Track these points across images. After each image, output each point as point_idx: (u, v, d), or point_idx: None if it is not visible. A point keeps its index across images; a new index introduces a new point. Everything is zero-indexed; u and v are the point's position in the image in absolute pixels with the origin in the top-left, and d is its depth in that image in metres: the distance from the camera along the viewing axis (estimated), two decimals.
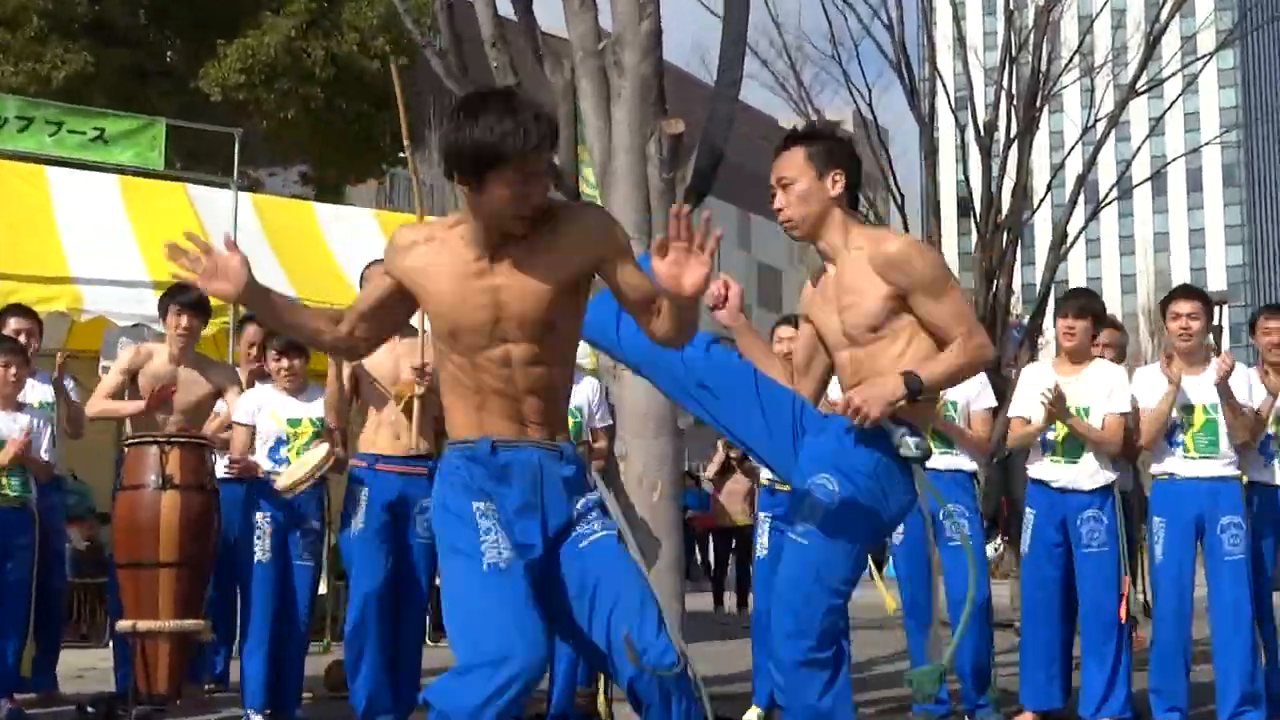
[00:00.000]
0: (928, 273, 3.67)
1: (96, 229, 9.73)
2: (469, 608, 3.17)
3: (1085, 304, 6.41)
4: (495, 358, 3.23)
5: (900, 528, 6.54)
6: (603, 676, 6.13)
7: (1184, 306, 6.23)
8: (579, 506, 3.32)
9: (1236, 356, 6.51)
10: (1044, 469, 6.27)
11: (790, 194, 3.82)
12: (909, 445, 3.58)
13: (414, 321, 6.04)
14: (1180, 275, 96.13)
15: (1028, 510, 6.48)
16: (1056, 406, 6.04)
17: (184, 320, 6.52)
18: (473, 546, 3.19)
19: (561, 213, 3.29)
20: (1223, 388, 6.03)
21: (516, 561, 3.19)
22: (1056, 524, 6.20)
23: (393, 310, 3.43)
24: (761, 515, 6.68)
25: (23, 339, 6.90)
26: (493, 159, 3.05)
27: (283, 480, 6.08)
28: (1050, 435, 6.25)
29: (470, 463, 3.29)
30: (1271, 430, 6.39)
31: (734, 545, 13.10)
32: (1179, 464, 6.21)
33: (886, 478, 3.69)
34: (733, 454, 12.95)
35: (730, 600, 12.66)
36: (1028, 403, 6.30)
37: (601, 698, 6.21)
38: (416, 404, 5.82)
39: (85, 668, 7.86)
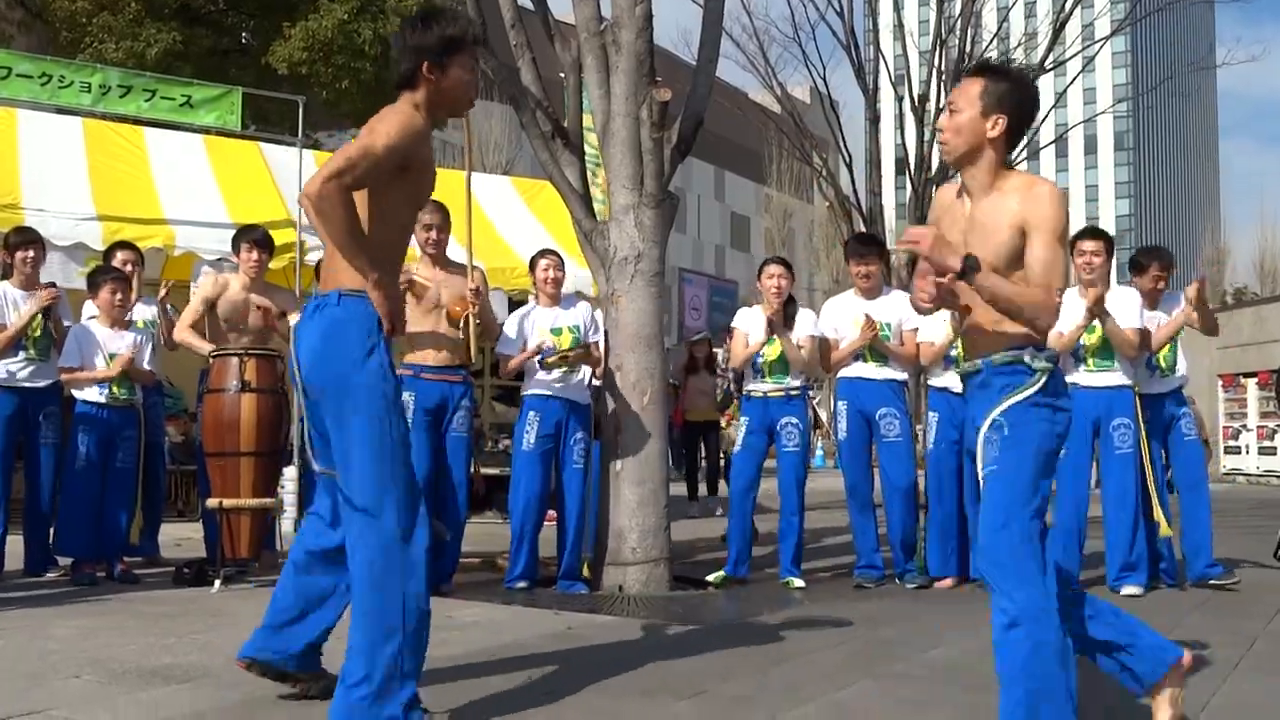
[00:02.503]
0: (1050, 215, 2.99)
1: (185, 179, 9.69)
2: None
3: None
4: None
5: (844, 426, 6.58)
6: (594, 546, 6.20)
7: (1089, 245, 6.18)
8: None
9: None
10: (947, 379, 6.28)
11: (953, 121, 3.13)
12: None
13: (460, 256, 6.01)
14: (1078, 223, 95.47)
15: (931, 413, 6.48)
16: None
17: (254, 254, 6.51)
18: None
19: None
20: (1101, 314, 6.02)
21: None
22: (957, 425, 6.14)
23: None
24: (742, 418, 6.71)
25: (128, 268, 6.90)
26: (459, 45, 3.31)
27: None
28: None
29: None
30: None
31: (702, 438, 12.20)
32: (1081, 376, 6.21)
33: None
34: (698, 354, 12.39)
35: (702, 489, 12.31)
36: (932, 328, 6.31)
37: (585, 564, 6.27)
38: (471, 322, 5.79)
39: (182, 538, 7.92)
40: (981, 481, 2.95)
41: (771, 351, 6.57)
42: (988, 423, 2.97)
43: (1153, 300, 6.42)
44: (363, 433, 3.12)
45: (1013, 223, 2.98)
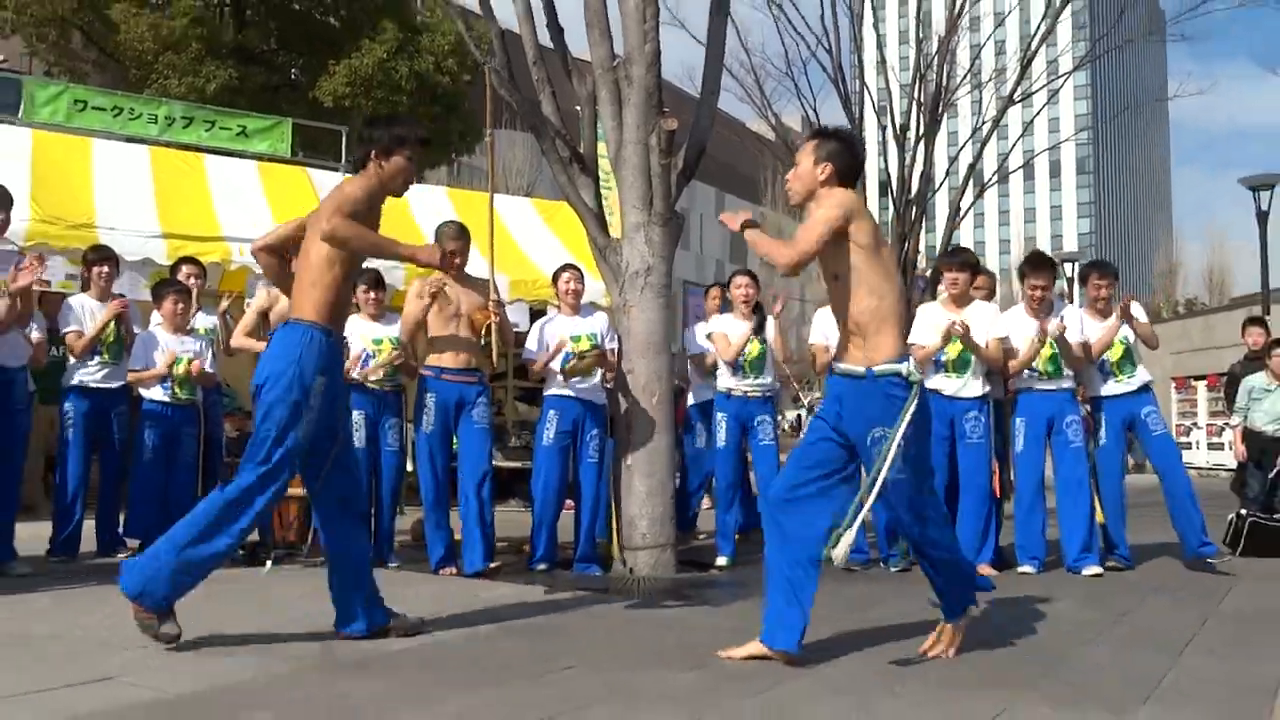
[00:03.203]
0: (822, 209, 3.59)
1: (241, 200, 9.71)
2: None
3: (964, 259, 6.37)
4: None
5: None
6: (614, 529, 6.19)
7: (1038, 279, 6.24)
8: None
9: (1079, 302, 6.52)
10: (937, 382, 6.27)
11: (794, 172, 3.74)
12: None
13: (483, 271, 6.02)
14: (1043, 241, 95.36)
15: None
16: (965, 339, 6.03)
17: None
18: None
19: None
20: (1059, 341, 6.11)
21: None
22: (945, 422, 6.18)
23: None
24: (719, 415, 6.71)
25: (193, 281, 6.93)
26: (402, 142, 3.96)
27: (370, 372, 6.15)
28: (943, 357, 6.23)
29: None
30: (1108, 357, 6.40)
31: None
32: (1035, 381, 6.26)
33: None
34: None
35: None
36: (925, 332, 6.28)
37: (616, 545, 6.25)
38: (494, 331, 5.81)
39: None
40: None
41: (752, 350, 6.62)
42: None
43: (1103, 311, 6.45)
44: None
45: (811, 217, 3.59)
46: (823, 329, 6.61)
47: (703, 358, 7.22)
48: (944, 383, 6.23)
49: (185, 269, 7.07)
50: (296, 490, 5.88)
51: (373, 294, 6.34)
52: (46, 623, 4.25)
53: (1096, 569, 6.00)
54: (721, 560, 6.53)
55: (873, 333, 3.57)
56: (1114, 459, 6.37)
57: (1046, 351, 6.22)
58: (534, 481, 6.29)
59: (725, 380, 6.76)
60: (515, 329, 7.66)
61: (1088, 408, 6.42)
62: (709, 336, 7.03)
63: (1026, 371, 6.24)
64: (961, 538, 6.18)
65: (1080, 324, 6.31)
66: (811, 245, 3.54)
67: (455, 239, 5.97)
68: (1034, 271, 6.27)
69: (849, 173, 3.68)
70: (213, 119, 9.84)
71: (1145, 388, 6.44)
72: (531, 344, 6.36)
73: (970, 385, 6.19)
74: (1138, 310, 6.46)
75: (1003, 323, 6.25)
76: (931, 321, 6.22)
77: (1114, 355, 6.40)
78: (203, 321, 7.03)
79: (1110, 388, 6.40)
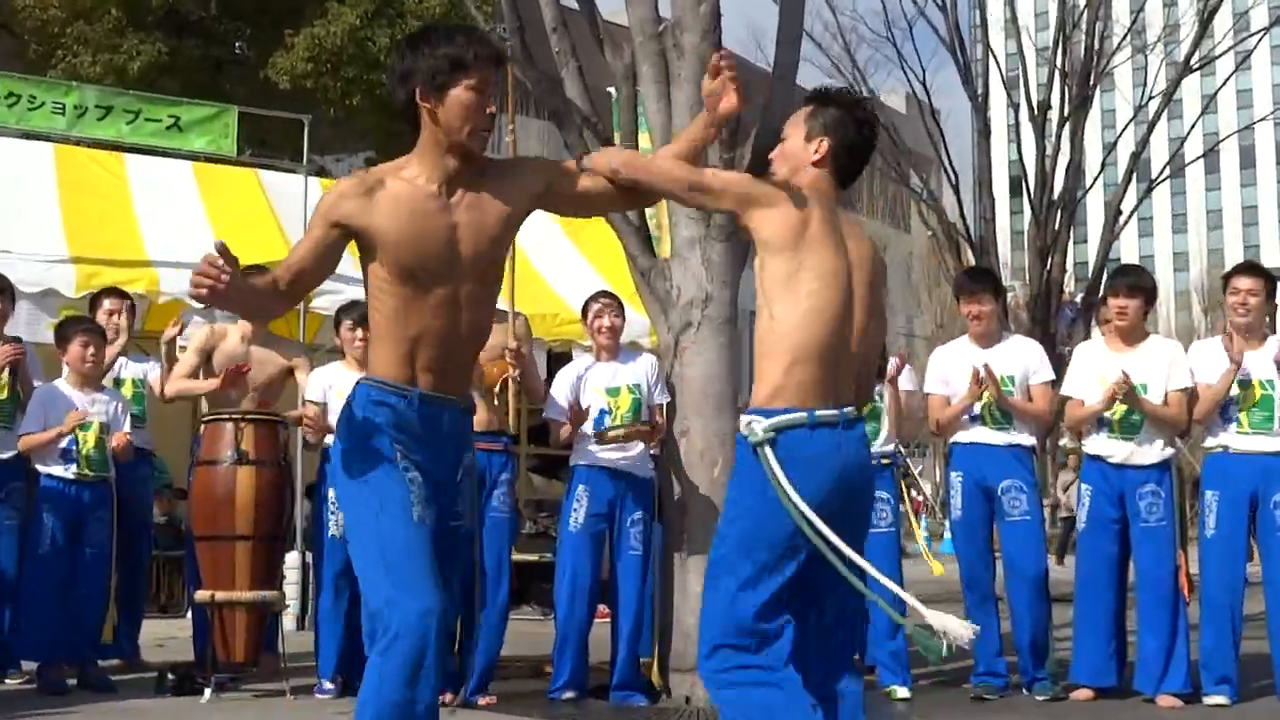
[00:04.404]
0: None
1: (172, 214, 9.85)
2: (398, 551, 3.18)
3: (1136, 282, 6.32)
4: (444, 297, 3.26)
5: (958, 504, 6.52)
6: (658, 648, 6.15)
7: (1243, 282, 6.14)
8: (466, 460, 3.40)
9: None
10: (1101, 444, 6.17)
11: (779, 149, 3.65)
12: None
13: (502, 304, 6.04)
14: (1234, 253, 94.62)
15: (1083, 486, 6.40)
16: (1128, 397, 5.96)
17: None
18: (403, 495, 3.21)
19: (501, 164, 3.49)
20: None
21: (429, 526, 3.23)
22: (1114, 499, 6.11)
23: (325, 263, 3.39)
24: None
25: (116, 319, 7.02)
26: (458, 66, 3.21)
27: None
28: (1107, 413, 6.17)
29: (393, 410, 3.26)
30: None
31: None
32: (1233, 439, 6.11)
33: None
34: None
35: None
36: (1083, 383, 6.21)
37: (656, 669, 6.20)
38: (511, 386, 5.81)
39: (166, 637, 7.96)
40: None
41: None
42: None
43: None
44: None
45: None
46: (941, 373, 6.56)
47: None
48: (1109, 446, 6.14)
49: (108, 303, 7.17)
50: (245, 594, 5.91)
51: (359, 333, 6.37)
52: None
53: None
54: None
55: (760, 367, 3.43)
56: None
57: (1255, 393, 6.07)
58: (558, 581, 6.27)
59: None
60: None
61: None
62: None
63: (1223, 422, 6.10)
64: (1141, 654, 6.08)
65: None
66: (704, 180, 3.47)
67: None
68: (1239, 274, 6.22)
69: (851, 152, 3.56)
70: (137, 108, 10.02)
71: None
72: (557, 403, 6.36)
73: (1146, 449, 6.10)
74: None
75: (1185, 368, 6.16)
76: (1093, 368, 6.15)
77: None
78: (132, 371, 7.11)
79: None
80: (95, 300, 7.30)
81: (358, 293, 5.65)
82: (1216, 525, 6.12)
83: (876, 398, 6.46)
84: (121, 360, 7.11)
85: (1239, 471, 6.07)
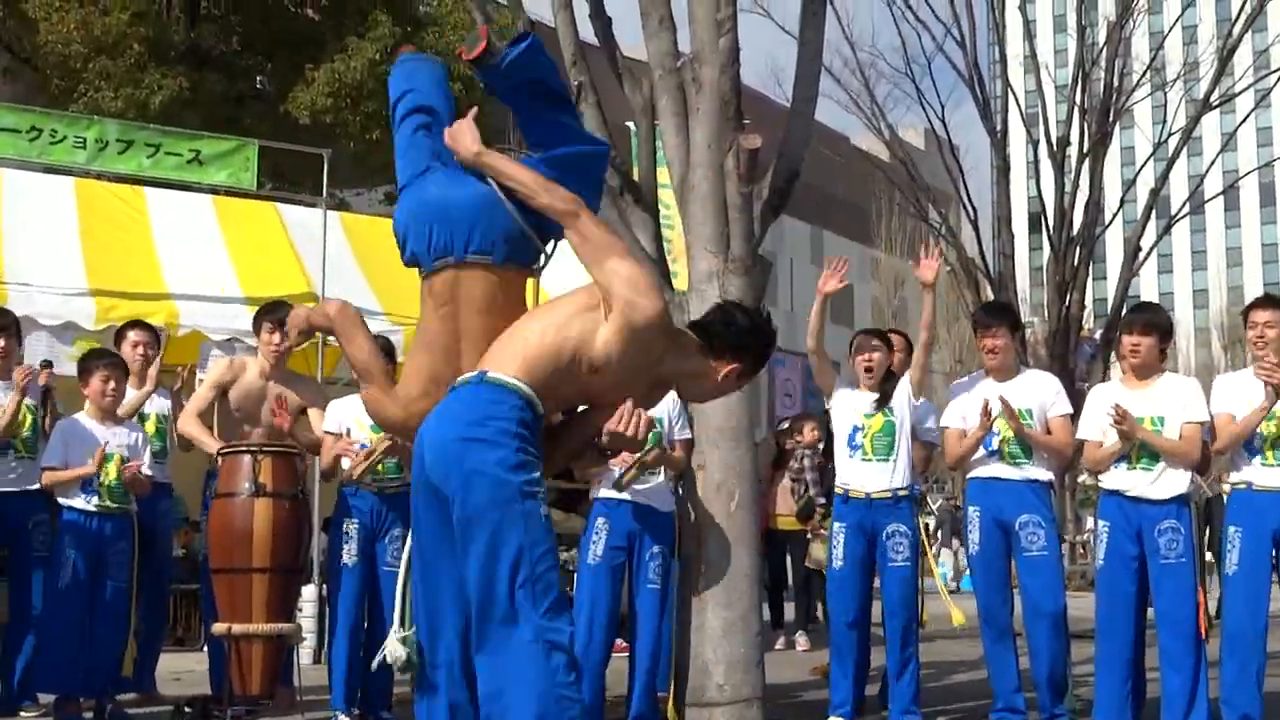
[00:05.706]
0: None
1: (192, 247, 9.90)
2: None
3: (1150, 319, 6.31)
4: None
5: (975, 539, 6.51)
6: (674, 682, 6.14)
7: (1261, 315, 6.10)
8: None
9: None
10: (1118, 478, 6.14)
11: None
12: None
13: None
14: (1254, 289, 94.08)
15: (1100, 522, 6.37)
16: (1126, 425, 5.95)
17: (276, 337, 6.58)
18: None
19: None
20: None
21: None
22: (1132, 535, 6.06)
23: None
24: (836, 526, 6.65)
25: (141, 351, 7.06)
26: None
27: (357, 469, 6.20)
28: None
29: None
30: None
31: (786, 552, 11.08)
32: (1257, 473, 6.04)
33: None
34: (785, 441, 11.13)
35: (790, 611, 11.71)
36: (1098, 424, 6.19)
37: (671, 705, 6.18)
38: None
39: (182, 670, 7.96)
40: None
41: (874, 424, 6.53)
42: None
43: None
44: None
45: None
46: (958, 408, 6.56)
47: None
48: (1127, 479, 6.11)
49: (133, 335, 7.21)
50: (261, 626, 5.92)
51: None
52: None
53: None
54: None
55: None
56: None
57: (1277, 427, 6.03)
58: (576, 612, 6.26)
59: (844, 474, 6.68)
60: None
61: None
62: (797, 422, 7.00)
63: (1247, 456, 6.06)
64: (1166, 695, 6.04)
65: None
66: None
67: None
68: (1258, 307, 6.19)
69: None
70: (157, 142, 10.09)
71: None
72: None
73: (1165, 482, 6.08)
74: None
75: (1201, 403, 6.13)
76: (1107, 409, 6.13)
77: None
78: (156, 406, 7.14)
79: None
80: (120, 333, 7.33)
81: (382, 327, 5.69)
82: (1239, 561, 6.08)
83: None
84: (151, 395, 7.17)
85: (1263, 507, 5.99)
